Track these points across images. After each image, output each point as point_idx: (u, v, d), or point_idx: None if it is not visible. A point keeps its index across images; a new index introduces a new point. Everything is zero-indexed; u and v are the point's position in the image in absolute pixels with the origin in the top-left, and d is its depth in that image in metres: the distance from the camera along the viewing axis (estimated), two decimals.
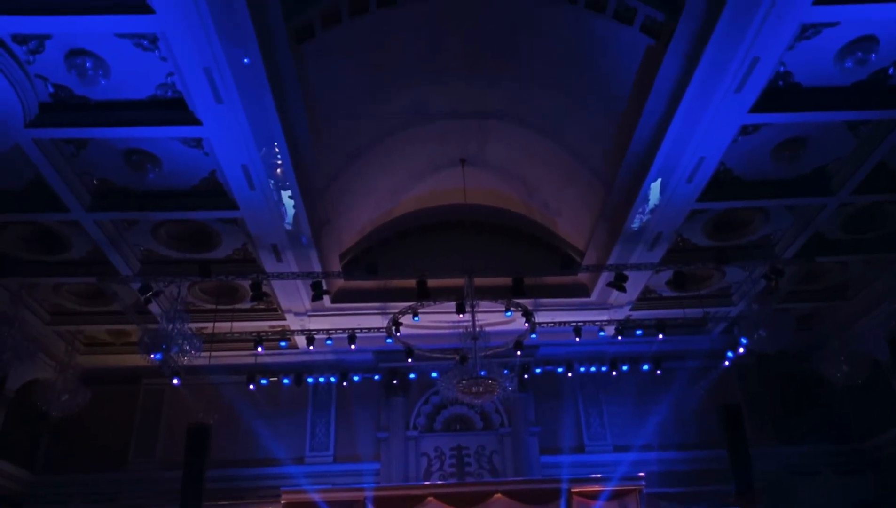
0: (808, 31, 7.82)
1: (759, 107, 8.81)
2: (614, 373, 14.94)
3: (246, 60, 7.74)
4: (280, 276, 11.65)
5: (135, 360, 14.05)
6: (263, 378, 14.35)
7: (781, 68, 8.39)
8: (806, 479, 14.53)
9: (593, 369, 15.22)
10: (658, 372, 14.69)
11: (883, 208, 11.26)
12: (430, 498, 13.87)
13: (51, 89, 8.08)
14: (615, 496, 13.99)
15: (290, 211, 10.58)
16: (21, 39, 7.38)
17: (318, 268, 11.98)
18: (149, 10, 6.97)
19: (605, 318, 13.91)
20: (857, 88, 8.73)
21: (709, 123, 9.08)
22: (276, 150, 9.28)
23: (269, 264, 11.72)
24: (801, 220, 11.41)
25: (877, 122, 9.25)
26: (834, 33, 7.88)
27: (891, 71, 8.48)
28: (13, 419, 13.55)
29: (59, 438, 14.71)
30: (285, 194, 10.20)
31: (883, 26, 7.81)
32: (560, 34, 9.37)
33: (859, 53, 8.11)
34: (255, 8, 7.38)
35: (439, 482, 14.71)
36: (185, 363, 11.18)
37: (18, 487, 13.83)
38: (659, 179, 10.18)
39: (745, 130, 9.36)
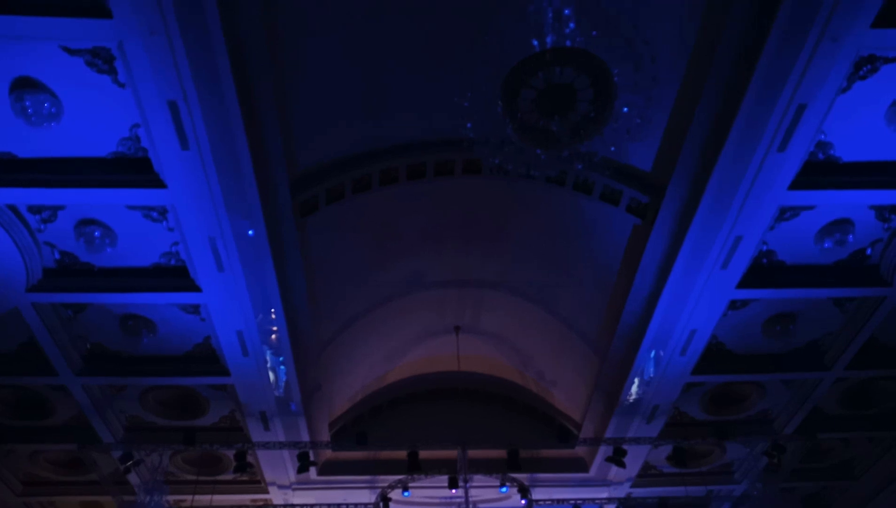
0: (786, 213, 8.24)
1: (745, 283, 9.06)
2: None
3: (251, 232, 8.03)
4: (266, 445, 11.27)
5: None
6: None
7: (764, 247, 8.73)
8: None
9: None
10: None
11: (879, 385, 11.22)
12: None
13: (57, 256, 8.30)
14: None
15: (282, 377, 10.45)
16: (36, 210, 7.71)
17: (306, 437, 11.62)
18: (162, 185, 7.33)
19: (605, 495, 13.30)
20: (839, 267, 9.03)
21: (698, 298, 9.28)
22: (273, 316, 9.37)
23: (256, 433, 11.38)
24: (799, 395, 11.30)
25: (861, 299, 9.46)
26: (811, 216, 8.29)
27: (868, 251, 8.83)
28: None
29: None
30: (278, 361, 10.14)
31: (856, 210, 8.24)
32: (550, 212, 9.84)
33: (837, 235, 8.48)
34: (264, 184, 7.79)
35: None
36: None
37: None
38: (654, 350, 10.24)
39: (734, 304, 9.54)
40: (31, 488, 12.68)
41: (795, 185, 7.75)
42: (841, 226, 8.42)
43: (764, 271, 9.04)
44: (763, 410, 11.81)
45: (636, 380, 10.85)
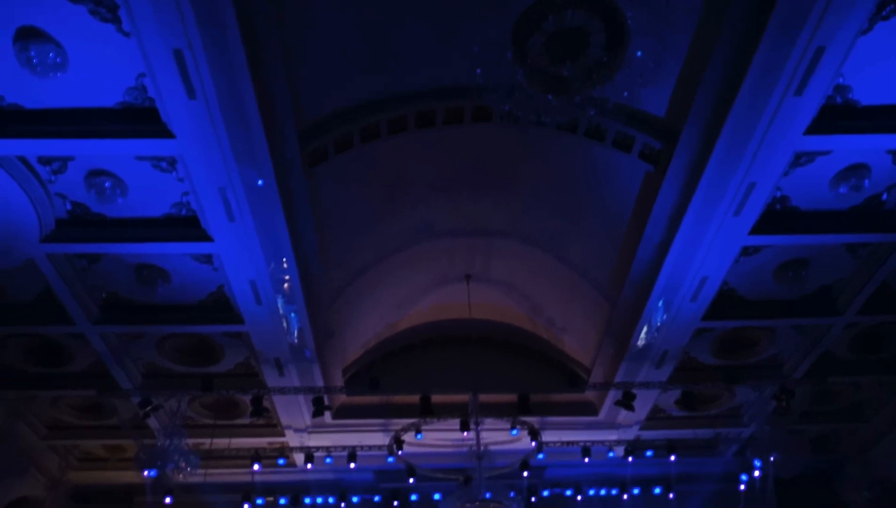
0: (801, 158, 8.10)
1: (758, 229, 8.98)
2: (625, 496, 14.35)
3: (260, 182, 8.02)
4: (282, 391, 11.51)
5: (128, 477, 13.64)
6: (259, 498, 13.83)
7: (778, 193, 8.62)
8: None
9: (603, 492, 14.64)
10: (671, 496, 14.11)
11: (890, 329, 11.21)
12: None
13: (69, 207, 8.34)
14: None
15: (295, 325, 10.60)
16: (46, 161, 7.70)
17: (320, 383, 11.85)
18: (170, 135, 7.28)
19: (613, 438, 13.55)
20: (854, 213, 8.93)
21: (710, 245, 9.23)
22: (285, 265, 9.43)
23: (272, 379, 11.61)
24: (809, 340, 11.34)
25: (875, 244, 9.39)
26: (827, 161, 8.15)
27: (884, 197, 8.71)
28: None
29: None
30: (291, 309, 10.27)
31: (873, 155, 8.08)
32: (561, 160, 9.74)
33: (853, 180, 8.35)
34: (272, 134, 7.73)
35: None
36: (180, 479, 10.84)
37: None
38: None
39: (746, 251, 9.50)
40: (54, 432, 13.10)
41: (812, 130, 7.59)
42: (857, 171, 8.28)
43: (777, 218, 8.95)
44: (773, 355, 11.88)
45: (646, 326, 10.92)
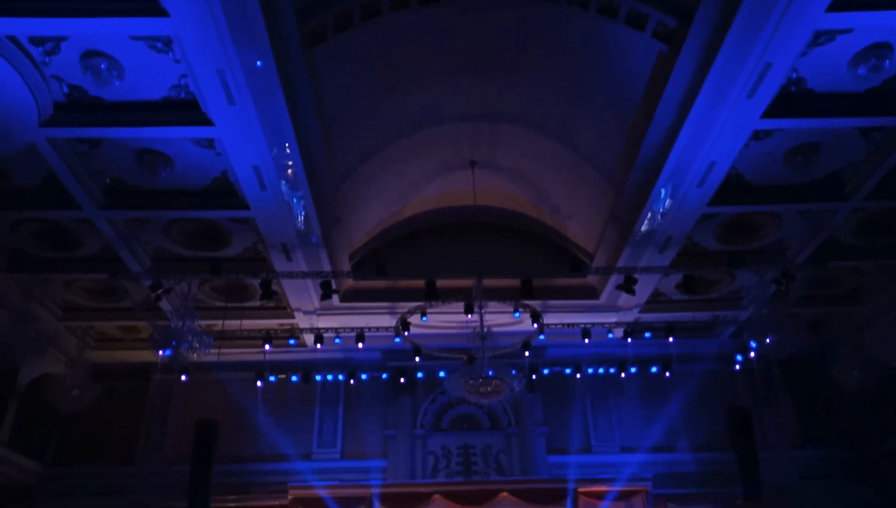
0: (821, 37, 7.77)
1: (771, 112, 8.77)
2: (623, 375, 14.92)
3: (259, 63, 7.78)
4: (289, 275, 11.71)
5: (145, 356, 14.18)
6: (272, 375, 14.41)
7: (794, 74, 8.35)
8: (815, 484, 14.44)
9: (601, 370, 15.19)
10: (667, 374, 14.65)
11: None
12: (436, 496, 13.93)
13: (65, 90, 8.16)
14: (622, 496, 14.00)
15: (301, 211, 10.62)
16: (38, 41, 7.45)
17: (327, 267, 12.03)
18: (163, 13, 7.00)
19: (613, 320, 13.89)
20: (871, 95, 8.67)
21: (720, 129, 9.04)
22: (288, 150, 9.33)
23: (279, 263, 11.78)
24: (814, 225, 11.36)
25: (890, 128, 9.19)
26: (848, 40, 7.82)
27: None
28: (24, 412, 13.69)
29: (70, 432, 14.82)
30: (296, 195, 10.25)
31: None
32: (571, 39, 9.36)
33: (873, 60, 8.05)
34: (269, 12, 7.41)
35: (446, 480, 14.77)
36: (194, 359, 11.23)
37: (29, 479, 13.98)
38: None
39: (757, 135, 9.32)
40: (70, 314, 13.50)
41: (835, 6, 7.23)
42: (878, 51, 7.97)
43: (791, 100, 8.71)
44: (777, 240, 11.94)
45: (651, 212, 10.90)
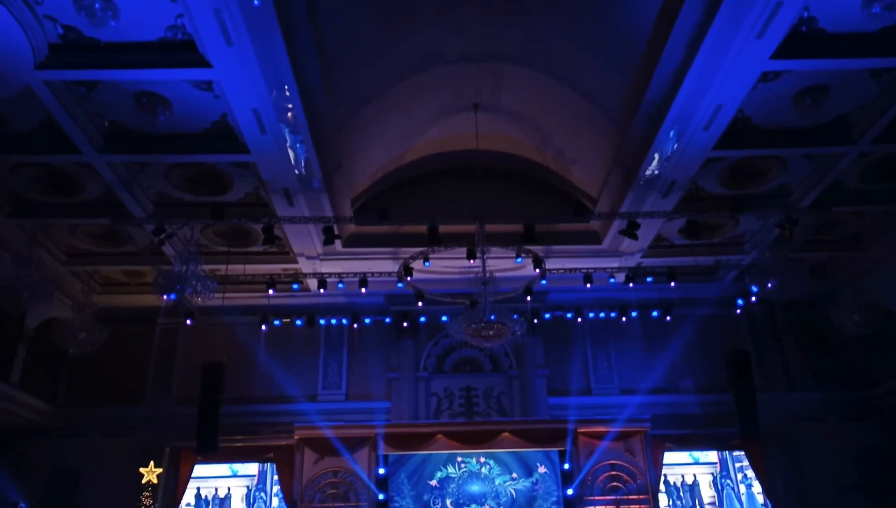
0: None
1: (780, 53, 8.57)
2: (623, 319, 15.04)
3: (256, 2, 7.59)
4: (291, 220, 11.70)
5: (150, 300, 14.33)
6: (276, 319, 14.59)
7: (805, 14, 8.13)
8: (812, 425, 14.72)
9: (602, 315, 15.33)
10: (668, 319, 14.77)
11: None
12: (439, 436, 14.27)
13: (60, 31, 8.00)
14: (620, 436, 14.34)
15: (302, 155, 10.54)
16: None
17: (329, 213, 12.00)
18: None
19: (615, 265, 13.93)
20: (884, 35, 8.47)
21: (728, 70, 8.85)
22: (287, 93, 9.18)
23: (281, 208, 11.76)
24: (820, 169, 11.25)
25: None
26: None
27: None
28: (34, 355, 13.92)
29: (79, 374, 15.10)
30: (296, 139, 10.15)
31: None
32: None
33: None
34: None
35: (448, 420, 15.09)
36: (198, 303, 11.32)
37: (41, 419, 14.31)
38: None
39: (766, 77, 9.13)
40: (74, 258, 13.56)
41: None
42: None
43: (802, 40, 8.50)
44: (782, 184, 11.86)
45: (656, 156, 10.80)
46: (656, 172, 11.15)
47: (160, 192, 11.56)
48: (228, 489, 15.11)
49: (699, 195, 12.08)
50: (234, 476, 15.27)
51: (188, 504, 14.85)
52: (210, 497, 14.99)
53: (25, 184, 11.02)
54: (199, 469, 14.90)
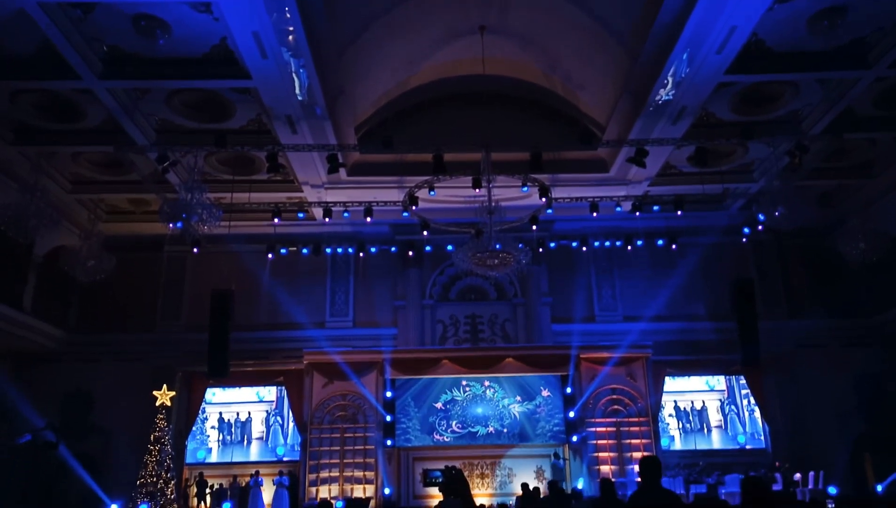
0: None
1: None
2: (629, 248, 15.04)
3: None
4: (295, 148, 11.58)
5: (156, 228, 14.38)
6: (283, 248, 14.65)
7: None
8: (813, 352, 14.93)
9: (608, 243, 15.33)
10: (673, 247, 14.75)
11: None
12: (444, 361, 14.58)
13: None
14: (622, 362, 14.61)
15: (304, 81, 10.33)
16: None
17: (333, 140, 11.86)
18: None
19: (622, 193, 13.82)
20: None
21: None
22: (288, 15, 8.93)
23: (284, 136, 11.62)
24: (833, 95, 11.01)
25: None
26: None
27: None
28: (44, 282, 14.11)
29: (90, 300, 15.33)
30: (298, 63, 9.92)
31: None
32: None
33: None
34: None
35: (454, 346, 15.36)
36: (204, 231, 11.35)
37: (53, 344, 14.63)
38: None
39: None
40: (78, 186, 13.56)
41: None
42: None
43: None
44: (793, 110, 11.63)
45: (667, 80, 10.55)
46: (667, 97, 10.91)
47: (162, 119, 11.41)
48: (249, 413, 15.68)
49: (709, 122, 11.88)
50: (260, 401, 15.83)
51: (213, 427, 15.48)
52: (232, 421, 15.58)
53: (27, 111, 10.89)
54: (224, 395, 15.53)
